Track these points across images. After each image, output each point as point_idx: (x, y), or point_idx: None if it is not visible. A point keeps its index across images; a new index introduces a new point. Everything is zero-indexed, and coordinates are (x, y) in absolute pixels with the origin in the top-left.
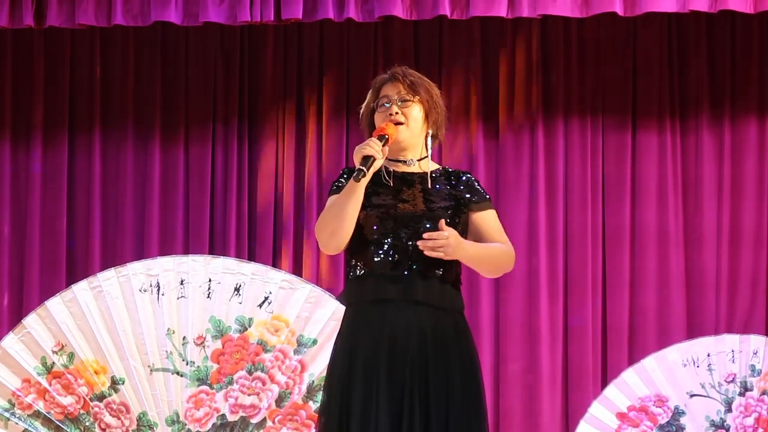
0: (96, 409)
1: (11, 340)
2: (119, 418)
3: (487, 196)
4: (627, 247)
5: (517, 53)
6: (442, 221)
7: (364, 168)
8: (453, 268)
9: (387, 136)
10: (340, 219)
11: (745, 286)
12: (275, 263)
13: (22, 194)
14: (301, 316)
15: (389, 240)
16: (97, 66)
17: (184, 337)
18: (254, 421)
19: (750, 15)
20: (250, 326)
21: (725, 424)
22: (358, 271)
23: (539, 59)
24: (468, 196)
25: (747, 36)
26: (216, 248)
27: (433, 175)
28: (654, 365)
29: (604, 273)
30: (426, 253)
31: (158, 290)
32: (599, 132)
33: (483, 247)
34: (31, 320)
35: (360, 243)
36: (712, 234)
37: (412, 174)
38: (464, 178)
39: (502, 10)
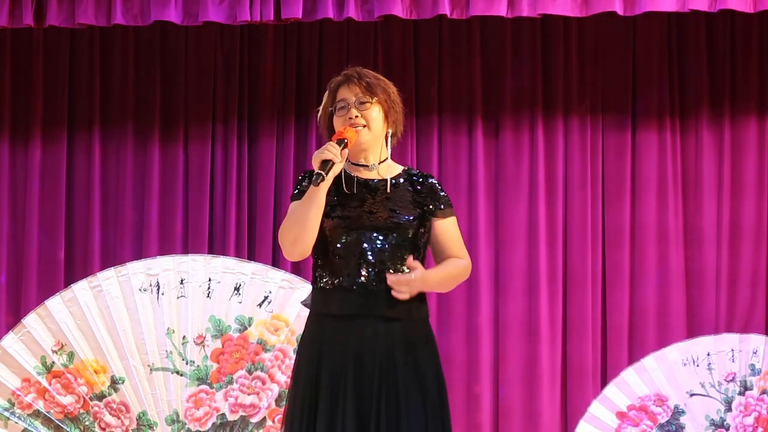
0: (96, 408)
1: (11, 339)
2: (119, 418)
3: (450, 203)
4: (627, 246)
5: (516, 52)
6: (410, 259)
7: (323, 172)
8: None
9: (346, 140)
10: (303, 225)
11: (745, 285)
12: (275, 263)
13: (21, 193)
14: (301, 316)
15: (355, 255)
16: (96, 65)
17: (183, 337)
18: (254, 420)
19: (750, 14)
20: (249, 326)
21: (725, 423)
22: (324, 283)
23: (539, 58)
24: (431, 203)
25: (747, 35)
26: (215, 248)
27: (398, 180)
28: (654, 364)
29: (603, 271)
30: (394, 293)
31: (158, 290)
32: (599, 131)
33: (442, 273)
34: (30, 320)
35: (326, 255)
36: (711, 232)
37: (376, 181)
38: (428, 182)
39: (502, 10)
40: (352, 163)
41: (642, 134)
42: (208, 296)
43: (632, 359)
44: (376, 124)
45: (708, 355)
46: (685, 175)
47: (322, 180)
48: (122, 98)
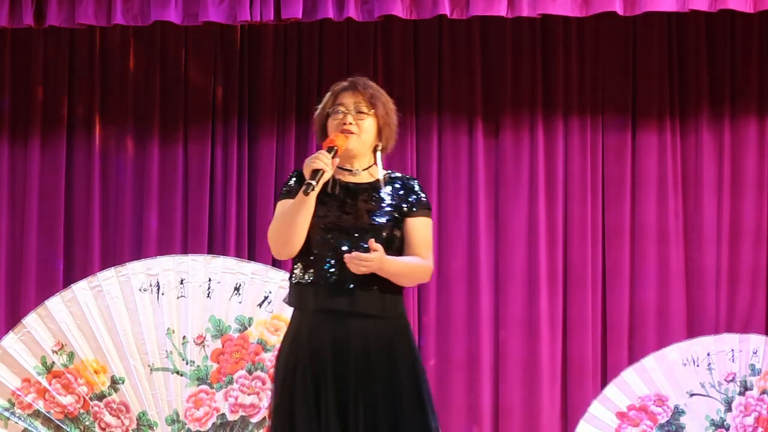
0: (96, 408)
1: (11, 339)
2: (119, 418)
3: (426, 204)
4: (627, 245)
5: (517, 52)
6: (372, 241)
7: (313, 182)
8: None
9: (336, 148)
10: (292, 230)
11: (745, 285)
12: (275, 263)
13: (20, 193)
14: None
15: (332, 252)
16: (96, 65)
17: (183, 337)
18: (254, 420)
19: (750, 14)
20: (249, 326)
21: (725, 423)
22: (301, 278)
23: (539, 58)
24: (406, 202)
25: (747, 35)
26: (215, 248)
27: (378, 184)
28: (654, 364)
29: (603, 271)
30: (348, 266)
31: (158, 290)
32: (599, 131)
33: (402, 264)
34: (30, 320)
35: (304, 251)
36: (711, 232)
37: (358, 185)
38: (409, 184)
39: (502, 10)
40: (338, 167)
41: (642, 134)
42: (208, 296)
43: (632, 359)
44: (367, 135)
45: (708, 355)
46: (685, 175)
47: (312, 189)
48: (122, 98)
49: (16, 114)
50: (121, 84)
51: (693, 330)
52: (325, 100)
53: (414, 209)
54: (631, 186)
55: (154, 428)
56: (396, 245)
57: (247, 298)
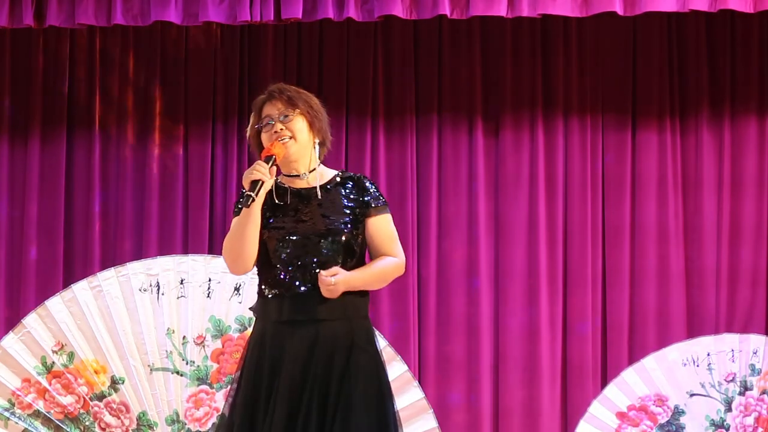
0: (96, 408)
1: (11, 339)
2: (119, 418)
3: (382, 200)
4: (627, 245)
5: (517, 52)
6: (321, 273)
7: (252, 194)
8: None
9: (273, 156)
10: (241, 245)
11: (745, 284)
12: None
13: (20, 192)
14: None
15: (291, 262)
16: (96, 65)
17: (183, 337)
18: None
19: (750, 14)
20: (250, 326)
21: (725, 423)
22: (265, 291)
23: (539, 58)
24: (363, 201)
25: (747, 35)
26: (216, 248)
27: (328, 186)
28: (654, 365)
29: (603, 271)
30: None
31: (158, 290)
32: (599, 130)
33: (368, 273)
34: (31, 320)
35: (265, 264)
36: (711, 232)
37: (308, 189)
38: (359, 182)
39: (502, 10)
40: (284, 175)
41: (642, 134)
42: (208, 296)
43: (632, 359)
44: (302, 134)
45: (708, 355)
46: (685, 175)
47: (253, 201)
48: (122, 98)
49: (16, 114)
50: (120, 84)
51: (693, 330)
52: (251, 118)
53: (371, 208)
54: (631, 186)
55: (154, 428)
56: (357, 247)
57: (247, 298)
